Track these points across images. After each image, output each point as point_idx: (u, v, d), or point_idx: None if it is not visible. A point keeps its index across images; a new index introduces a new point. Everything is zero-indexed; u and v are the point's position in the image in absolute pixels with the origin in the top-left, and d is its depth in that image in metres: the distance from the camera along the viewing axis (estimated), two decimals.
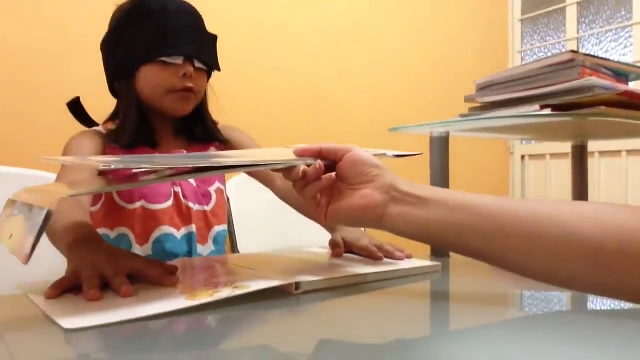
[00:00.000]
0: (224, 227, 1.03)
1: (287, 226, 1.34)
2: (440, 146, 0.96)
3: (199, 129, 1.01)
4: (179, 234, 0.95)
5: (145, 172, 0.56)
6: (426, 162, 0.96)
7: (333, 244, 0.87)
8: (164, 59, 0.89)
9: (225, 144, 1.05)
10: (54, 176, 1.11)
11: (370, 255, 0.81)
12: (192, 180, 0.99)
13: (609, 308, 0.58)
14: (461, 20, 2.65)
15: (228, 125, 1.07)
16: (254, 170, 0.60)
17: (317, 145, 0.60)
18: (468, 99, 0.96)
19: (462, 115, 0.96)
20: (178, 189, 0.96)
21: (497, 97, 0.91)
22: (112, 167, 0.49)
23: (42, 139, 1.59)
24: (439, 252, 0.93)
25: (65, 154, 0.92)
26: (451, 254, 0.93)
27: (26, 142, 1.58)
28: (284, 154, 0.62)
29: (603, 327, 0.49)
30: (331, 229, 0.92)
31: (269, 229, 1.42)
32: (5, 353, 0.42)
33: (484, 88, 0.94)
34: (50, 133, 1.59)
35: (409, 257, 0.82)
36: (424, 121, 0.96)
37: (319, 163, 0.58)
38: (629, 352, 0.42)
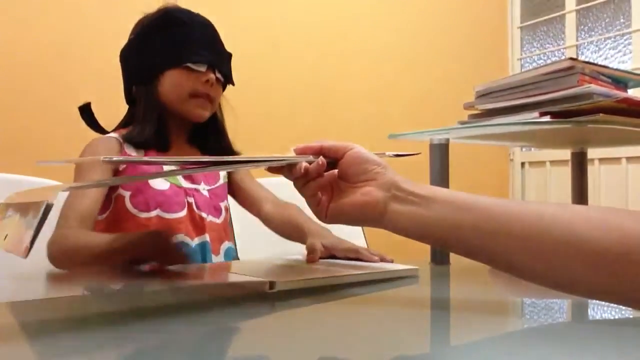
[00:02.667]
0: (232, 244, 1.06)
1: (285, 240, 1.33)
2: (440, 153, 0.96)
3: (212, 139, 1.04)
4: (194, 242, 0.96)
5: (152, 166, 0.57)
6: (426, 169, 0.96)
7: (311, 250, 0.85)
8: (189, 64, 0.94)
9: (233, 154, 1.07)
10: (50, 182, 1.11)
11: (358, 257, 0.81)
12: (204, 192, 1.01)
13: (610, 316, 0.57)
14: (461, 28, 2.65)
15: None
16: (256, 167, 0.61)
17: (318, 143, 0.60)
18: (467, 106, 0.96)
19: (462, 122, 0.96)
20: (191, 200, 0.98)
21: (496, 104, 0.91)
22: (114, 159, 0.50)
23: (39, 145, 1.59)
24: (439, 258, 0.93)
25: (85, 155, 0.95)
26: (451, 260, 0.93)
27: (22, 149, 1.58)
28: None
29: (604, 336, 0.49)
30: (306, 237, 0.91)
31: (268, 241, 1.41)
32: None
33: (483, 95, 0.94)
34: (47, 139, 1.60)
35: (389, 260, 0.82)
36: (423, 128, 0.96)
37: (321, 159, 0.58)
38: None
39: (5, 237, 0.50)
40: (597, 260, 0.43)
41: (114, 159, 0.49)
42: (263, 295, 0.61)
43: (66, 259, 0.84)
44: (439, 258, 0.93)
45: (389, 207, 0.55)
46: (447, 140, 0.96)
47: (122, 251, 0.78)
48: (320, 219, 0.60)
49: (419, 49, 2.51)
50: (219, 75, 0.98)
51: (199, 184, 1.01)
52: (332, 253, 0.85)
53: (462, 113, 0.98)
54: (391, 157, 0.68)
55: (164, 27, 0.95)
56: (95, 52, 1.64)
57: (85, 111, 0.98)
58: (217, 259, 0.99)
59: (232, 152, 1.06)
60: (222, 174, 1.07)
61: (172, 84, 0.95)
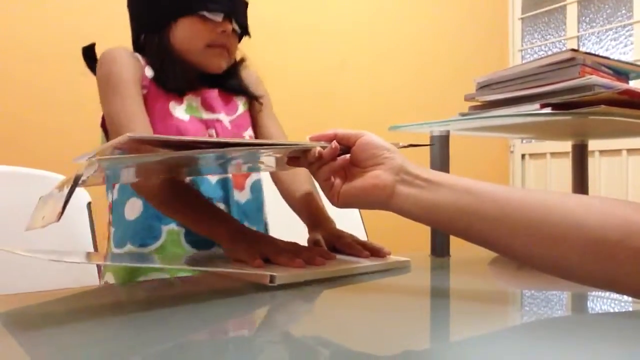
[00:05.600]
0: (259, 177, 1.01)
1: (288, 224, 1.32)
2: (441, 145, 0.95)
3: (231, 81, 0.99)
4: (214, 179, 0.93)
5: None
6: (426, 160, 0.96)
7: (313, 243, 0.85)
8: (204, 13, 0.88)
9: (256, 99, 1.03)
10: (52, 175, 1.11)
11: (355, 253, 0.80)
12: (226, 123, 0.96)
13: (609, 309, 0.58)
14: (461, 19, 2.64)
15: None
16: (273, 150, 0.61)
17: (332, 131, 0.62)
18: (468, 98, 0.96)
19: (462, 114, 0.95)
20: (212, 132, 0.94)
21: (497, 95, 0.90)
22: (138, 136, 0.50)
23: (45, 138, 1.59)
24: (439, 250, 0.93)
25: (109, 66, 0.89)
26: (451, 253, 0.93)
27: (28, 142, 1.58)
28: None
29: (603, 328, 0.49)
30: (310, 227, 0.91)
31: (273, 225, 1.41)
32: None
33: (484, 87, 0.93)
34: (53, 133, 1.59)
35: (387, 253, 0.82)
36: (423, 119, 0.96)
37: (334, 143, 0.61)
38: (630, 355, 0.42)
39: (43, 217, 0.52)
40: (596, 247, 0.44)
41: (138, 136, 0.49)
42: (263, 288, 0.62)
43: (162, 209, 0.85)
44: (439, 250, 0.93)
45: (396, 190, 0.57)
46: (448, 132, 0.96)
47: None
48: (332, 202, 0.62)
49: (420, 40, 2.50)
50: (235, 26, 0.92)
51: (219, 113, 0.96)
52: (331, 244, 0.85)
53: (463, 105, 0.97)
54: (405, 147, 0.70)
55: None
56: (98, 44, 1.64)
57: (89, 53, 0.94)
58: (242, 194, 0.96)
59: (251, 97, 1.02)
60: (241, 102, 1.02)
61: (186, 34, 0.90)
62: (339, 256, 0.80)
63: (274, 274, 0.62)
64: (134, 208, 0.90)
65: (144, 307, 0.56)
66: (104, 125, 0.94)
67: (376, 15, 2.38)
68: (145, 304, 0.59)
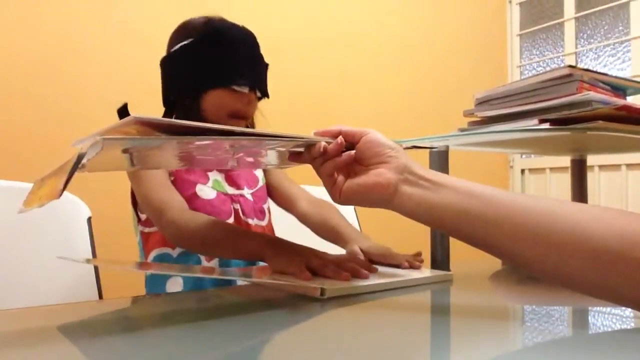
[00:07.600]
0: None
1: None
2: (440, 160, 0.96)
3: None
4: None
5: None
6: None
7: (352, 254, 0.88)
8: (234, 87, 0.97)
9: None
10: None
11: (395, 264, 0.83)
12: (249, 196, 1.04)
13: (613, 325, 0.57)
14: (460, 35, 2.66)
15: None
16: (278, 142, 0.61)
17: (337, 127, 0.63)
18: (467, 113, 0.97)
19: (461, 129, 0.96)
20: (237, 206, 1.01)
21: (495, 111, 0.91)
22: (145, 117, 0.49)
23: (40, 151, 1.60)
24: (439, 264, 0.93)
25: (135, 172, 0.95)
26: (451, 267, 0.93)
27: (23, 155, 1.58)
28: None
29: (607, 345, 0.49)
30: (344, 242, 0.95)
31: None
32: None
33: (482, 102, 0.94)
34: (50, 145, 1.60)
35: (419, 262, 0.86)
36: (423, 135, 0.96)
37: (340, 139, 0.61)
38: None
39: (40, 197, 0.52)
40: (596, 255, 0.45)
41: (144, 117, 0.49)
42: (312, 300, 0.63)
43: (192, 244, 0.89)
44: (439, 265, 0.93)
45: (399, 189, 0.57)
46: (447, 147, 0.96)
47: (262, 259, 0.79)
48: (334, 199, 0.62)
49: (419, 56, 2.52)
50: (258, 94, 1.02)
51: (242, 189, 1.04)
52: (368, 257, 0.87)
53: (462, 120, 0.98)
54: (409, 148, 0.71)
55: (208, 45, 0.96)
56: (96, 54, 1.65)
57: (124, 113, 0.98)
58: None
59: None
60: (260, 175, 1.11)
61: (215, 102, 0.97)
62: (380, 268, 0.82)
63: (324, 287, 0.63)
64: (175, 285, 0.96)
65: (195, 317, 0.58)
66: (134, 202, 1.02)
67: (376, 30, 2.40)
68: (190, 313, 0.60)
